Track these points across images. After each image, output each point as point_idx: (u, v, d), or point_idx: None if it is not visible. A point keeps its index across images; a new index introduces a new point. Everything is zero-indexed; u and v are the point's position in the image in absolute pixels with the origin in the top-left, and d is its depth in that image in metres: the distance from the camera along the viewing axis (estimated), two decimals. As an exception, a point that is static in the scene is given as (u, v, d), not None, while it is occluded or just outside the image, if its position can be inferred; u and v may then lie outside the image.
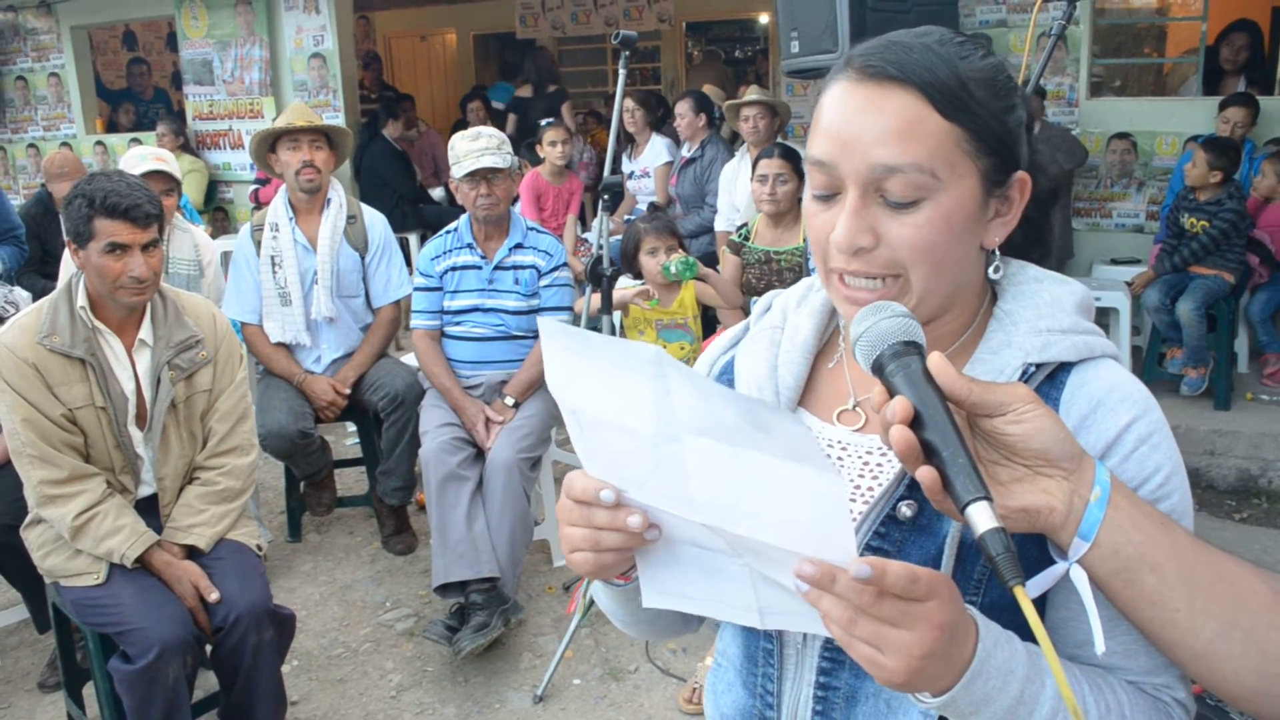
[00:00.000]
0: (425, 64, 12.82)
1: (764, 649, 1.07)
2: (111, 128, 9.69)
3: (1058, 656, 0.83)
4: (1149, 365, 5.28)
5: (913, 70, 0.91)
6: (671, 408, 0.78)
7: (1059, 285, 1.02)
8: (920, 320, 0.93)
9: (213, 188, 8.65)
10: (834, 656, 1.01)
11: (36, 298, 3.19)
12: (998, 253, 1.01)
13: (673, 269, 3.64)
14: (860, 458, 1.02)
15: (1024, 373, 0.96)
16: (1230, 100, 5.56)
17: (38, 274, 5.06)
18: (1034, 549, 0.91)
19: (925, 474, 0.80)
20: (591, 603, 3.24)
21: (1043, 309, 0.99)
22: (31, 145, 9.68)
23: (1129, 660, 0.93)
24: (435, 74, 12.73)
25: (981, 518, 0.77)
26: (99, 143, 9.29)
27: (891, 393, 0.84)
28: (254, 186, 7.79)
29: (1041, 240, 1.07)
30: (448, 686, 3.20)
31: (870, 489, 1.00)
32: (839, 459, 1.03)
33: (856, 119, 0.92)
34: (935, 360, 0.84)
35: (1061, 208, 5.72)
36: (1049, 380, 0.97)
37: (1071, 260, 5.91)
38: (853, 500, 1.00)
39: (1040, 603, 0.95)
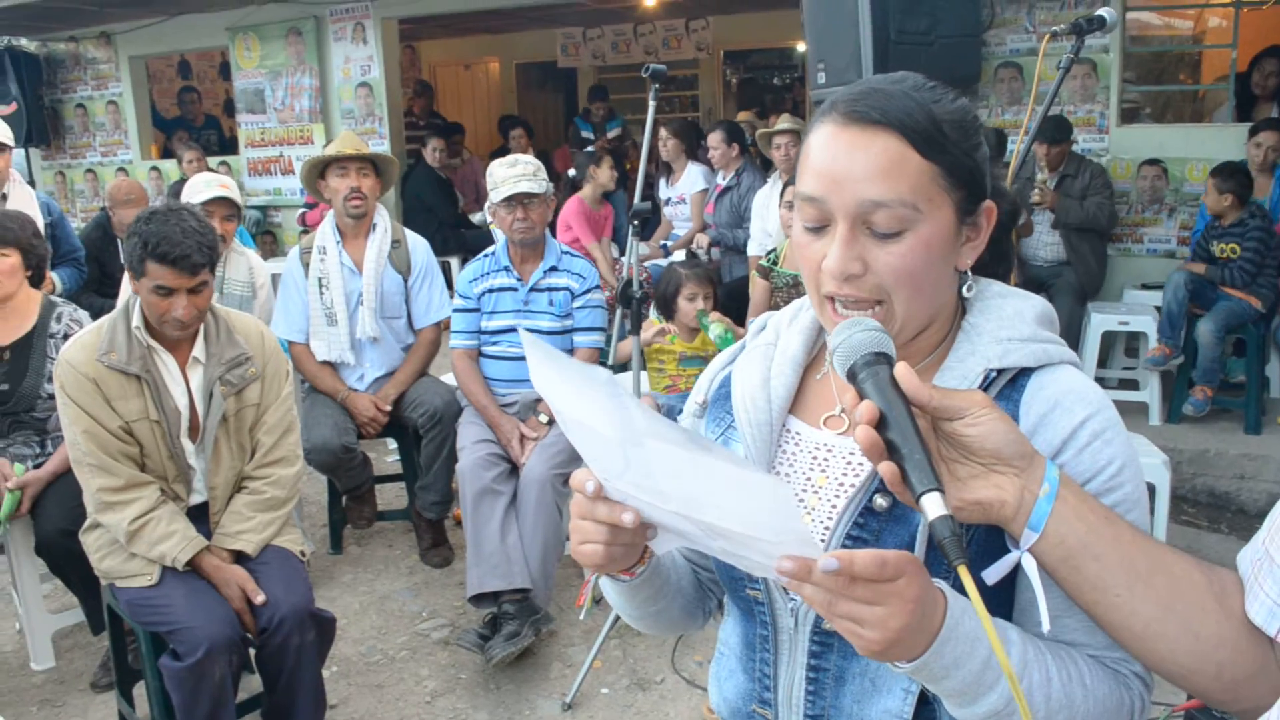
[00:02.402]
0: (469, 92, 13.09)
1: (760, 636, 1.18)
2: (166, 154, 10.02)
3: (1003, 624, 0.95)
4: (1178, 391, 5.31)
5: (894, 115, 1.02)
6: (630, 420, 0.89)
7: (1021, 300, 1.13)
8: (904, 338, 1.05)
9: (261, 212, 8.93)
10: (823, 641, 1.12)
11: (94, 317, 3.37)
12: (970, 273, 1.12)
13: (713, 331, 3.76)
14: (844, 457, 1.13)
15: (986, 377, 1.06)
16: (1260, 125, 5.60)
17: (96, 294, 5.27)
18: (998, 540, 1.02)
19: (886, 468, 0.91)
20: (600, 598, 3.34)
21: (1005, 321, 1.10)
22: (89, 170, 10.03)
23: (1090, 636, 1.02)
24: (479, 102, 13.01)
25: (932, 506, 0.87)
26: (154, 168, 9.61)
27: (862, 397, 0.95)
28: (302, 210, 8.03)
29: (1004, 257, 1.18)
30: (480, 693, 3.32)
31: (852, 485, 1.11)
32: (825, 459, 1.15)
33: (844, 158, 1.03)
34: (901, 370, 0.94)
35: (1097, 242, 5.76)
36: (1011, 384, 1.07)
37: (1101, 290, 5.95)
38: (836, 495, 1.12)
39: (1009, 587, 1.05)
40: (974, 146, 1.07)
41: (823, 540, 1.10)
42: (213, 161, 8.67)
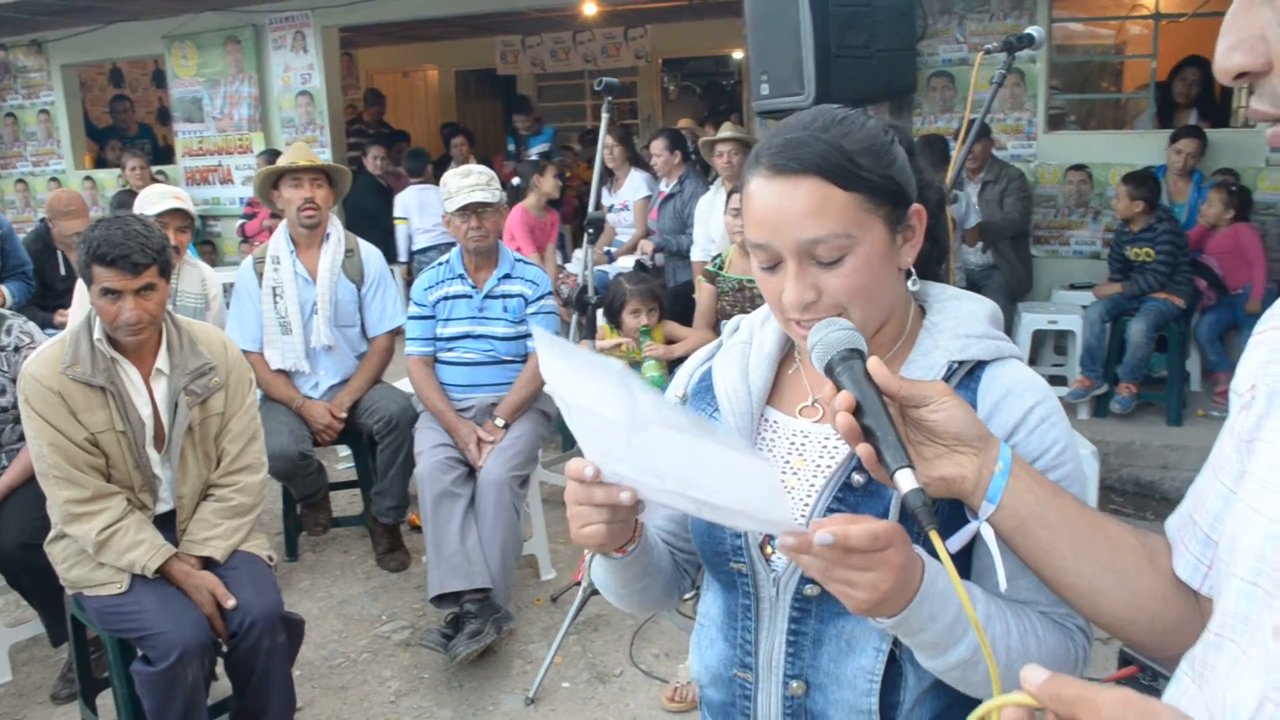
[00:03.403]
0: (408, 100, 13.09)
1: (743, 605, 1.30)
2: (100, 163, 9.89)
3: (970, 584, 1.07)
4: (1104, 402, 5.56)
5: (810, 161, 1.15)
6: (636, 407, 0.99)
7: (973, 302, 1.28)
8: (865, 336, 1.17)
9: (200, 221, 8.85)
10: (802, 607, 1.24)
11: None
12: (913, 270, 1.25)
13: (645, 374, 3.87)
14: (820, 442, 1.26)
15: (949, 369, 1.20)
16: (1180, 133, 5.87)
17: (38, 306, 5.23)
18: (958, 513, 1.14)
19: (863, 449, 1.03)
20: (584, 603, 3.46)
21: (962, 320, 1.24)
22: (20, 181, 9.86)
23: (1039, 594, 1.16)
24: (417, 109, 13.01)
25: (905, 481, 0.99)
26: (88, 178, 9.48)
27: (839, 388, 1.07)
28: (241, 221, 8.00)
29: (937, 241, 1.31)
30: (444, 691, 3.39)
31: (829, 465, 1.23)
32: (802, 444, 1.27)
33: (777, 206, 1.16)
34: (873, 363, 1.07)
35: (1020, 245, 6.01)
36: (969, 375, 1.21)
37: (1030, 290, 6.19)
38: (814, 476, 1.24)
39: (968, 554, 1.18)
40: (889, 164, 1.19)
41: (803, 516, 1.22)
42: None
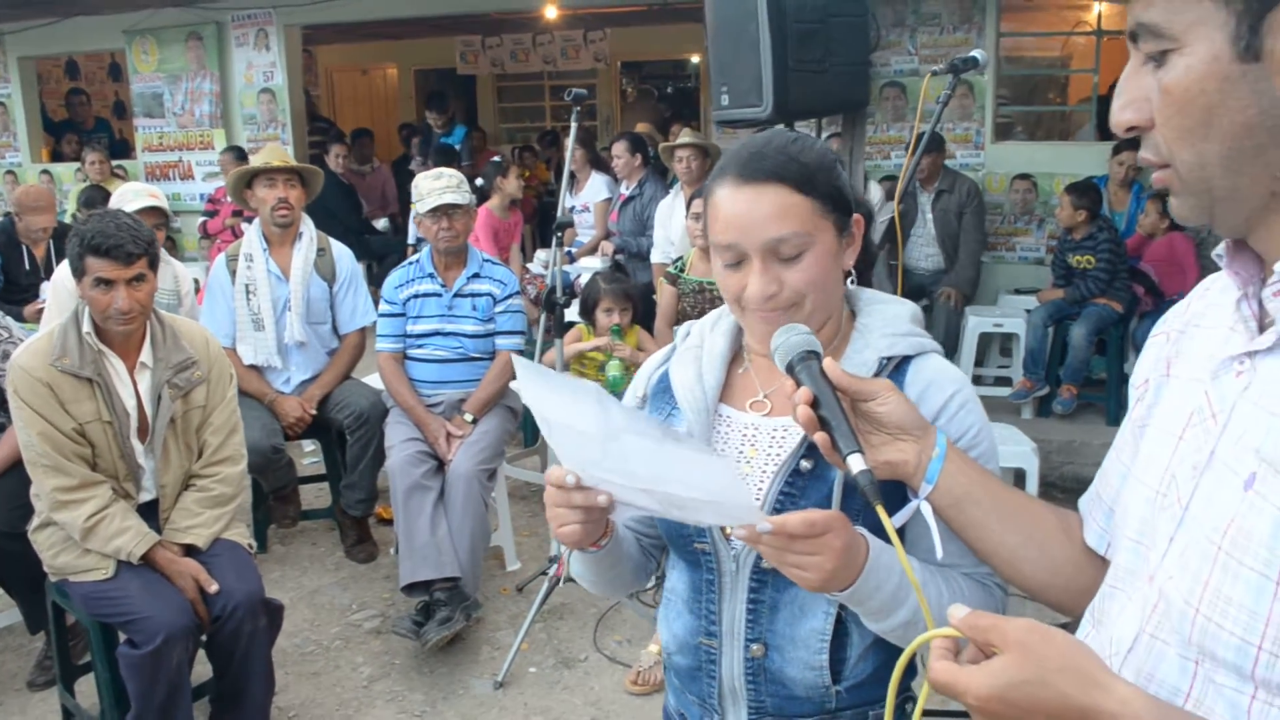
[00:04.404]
0: (366, 97, 13.11)
1: (706, 580, 1.45)
2: (56, 157, 9.83)
3: (908, 556, 1.25)
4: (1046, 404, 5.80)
5: (774, 171, 1.34)
6: (610, 420, 1.16)
7: (898, 305, 1.47)
8: (812, 328, 1.34)
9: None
10: (760, 578, 1.40)
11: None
12: (852, 272, 1.45)
13: (609, 371, 4.03)
14: (769, 434, 1.42)
15: (880, 365, 1.38)
16: (1123, 145, 6.12)
17: (4, 300, 5.26)
18: (899, 494, 1.31)
19: (820, 438, 1.19)
20: (549, 592, 3.60)
21: (888, 321, 1.43)
22: (-25, 174, 9.77)
23: (962, 559, 1.34)
24: (376, 108, 13.03)
25: (855, 464, 1.15)
26: (45, 171, 9.43)
27: (798, 384, 1.23)
28: (203, 219, 8.02)
29: (867, 249, 1.49)
30: (415, 676, 3.52)
31: (779, 454, 1.40)
32: (753, 436, 1.43)
33: (747, 209, 1.34)
34: (828, 363, 1.23)
35: (973, 247, 6.24)
36: (897, 369, 1.39)
37: (977, 291, 6.43)
38: (765, 464, 1.41)
39: (903, 530, 1.35)
40: (836, 177, 1.39)
41: (758, 500, 1.38)
42: (109, 165, 8.57)
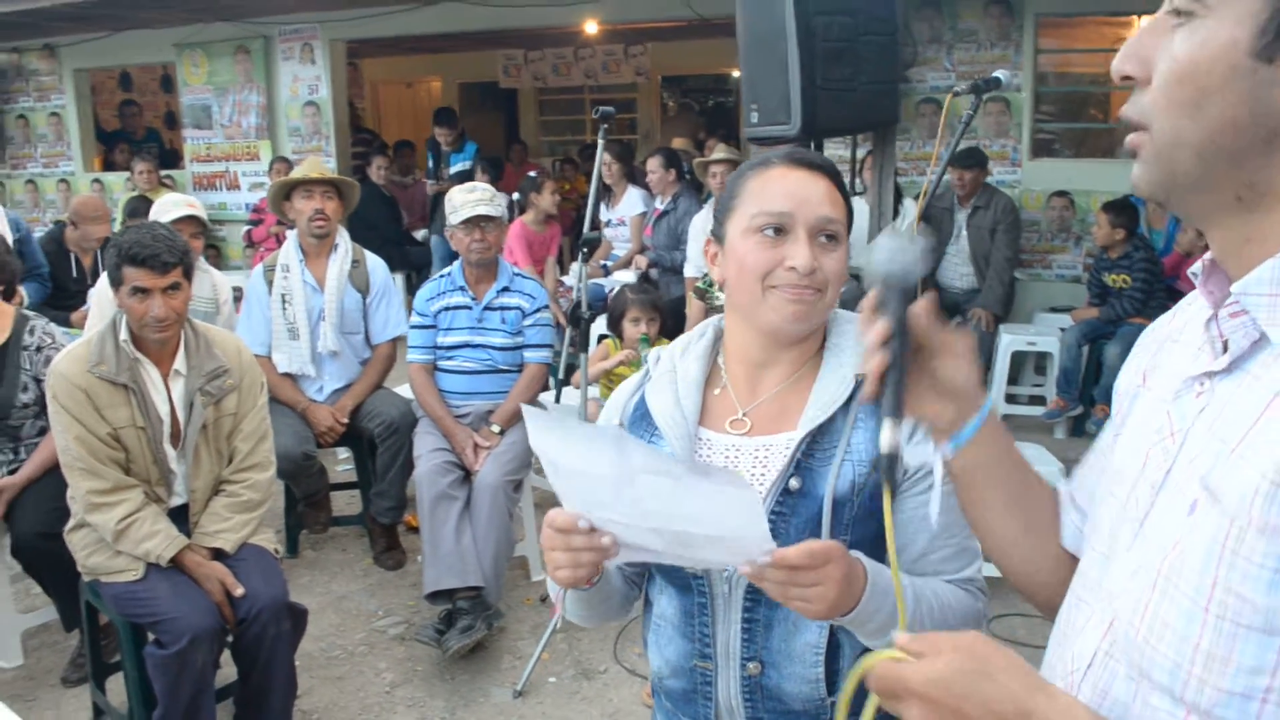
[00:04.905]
0: (411, 110, 13.27)
1: (698, 604, 1.48)
2: (109, 166, 10.07)
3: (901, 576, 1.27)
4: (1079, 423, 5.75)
5: (823, 165, 1.44)
6: (628, 461, 1.16)
7: None
8: (813, 329, 1.43)
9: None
10: (753, 597, 1.42)
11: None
12: None
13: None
14: (751, 454, 1.45)
15: (856, 381, 1.40)
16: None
17: (51, 306, 5.41)
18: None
19: (872, 384, 1.07)
20: (545, 597, 3.63)
21: (858, 339, 1.42)
22: (30, 181, 10.04)
23: (947, 565, 1.37)
24: (420, 120, 13.18)
25: (886, 435, 1.05)
26: (96, 180, 9.66)
27: (878, 310, 1.08)
28: (247, 227, 8.19)
29: None
30: (436, 683, 3.57)
31: (763, 473, 1.42)
32: (735, 457, 1.45)
33: (803, 187, 1.40)
34: (923, 304, 1.09)
35: (1001, 264, 6.20)
36: None
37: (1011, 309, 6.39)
38: (751, 483, 1.41)
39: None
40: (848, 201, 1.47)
41: None
42: (157, 175, 8.77)
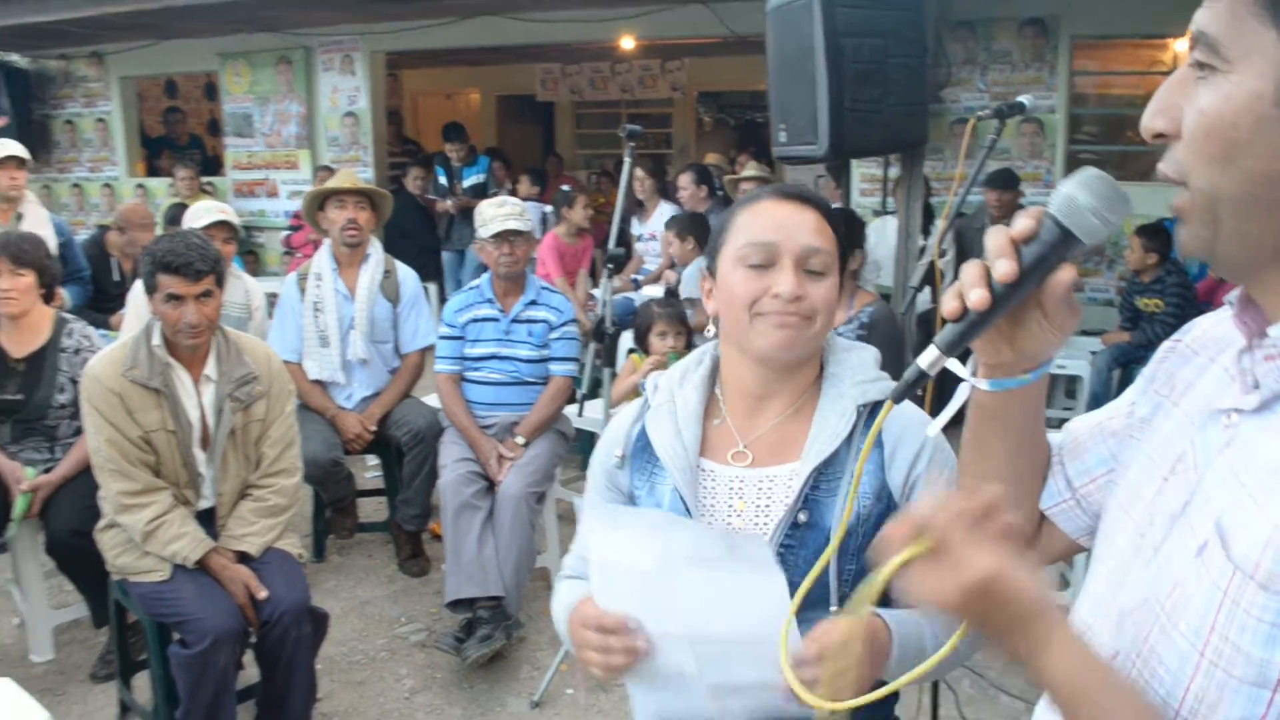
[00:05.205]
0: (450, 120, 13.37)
1: None
2: (152, 172, 10.26)
3: (907, 619, 1.33)
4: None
5: (811, 197, 1.47)
6: (671, 547, 1.21)
7: (860, 351, 1.53)
8: (805, 357, 1.45)
9: (245, 232, 9.18)
10: None
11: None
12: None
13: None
14: (755, 486, 1.47)
15: (858, 412, 1.43)
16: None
17: (92, 309, 5.52)
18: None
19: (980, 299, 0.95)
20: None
21: (854, 368, 1.48)
22: (76, 185, 10.25)
23: None
24: (459, 131, 13.29)
25: (928, 358, 0.97)
26: (140, 185, 9.85)
27: (1035, 238, 0.94)
28: (286, 232, 8.31)
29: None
30: (455, 691, 3.60)
31: (768, 505, 1.45)
32: (740, 489, 1.47)
33: (790, 217, 1.44)
34: (1066, 274, 0.97)
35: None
36: (870, 413, 1.44)
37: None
38: (757, 515, 1.45)
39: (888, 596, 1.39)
40: (844, 239, 1.50)
41: None
42: (198, 181, 8.93)
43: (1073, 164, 6.83)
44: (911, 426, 1.44)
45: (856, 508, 1.39)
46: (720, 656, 1.26)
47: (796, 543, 1.41)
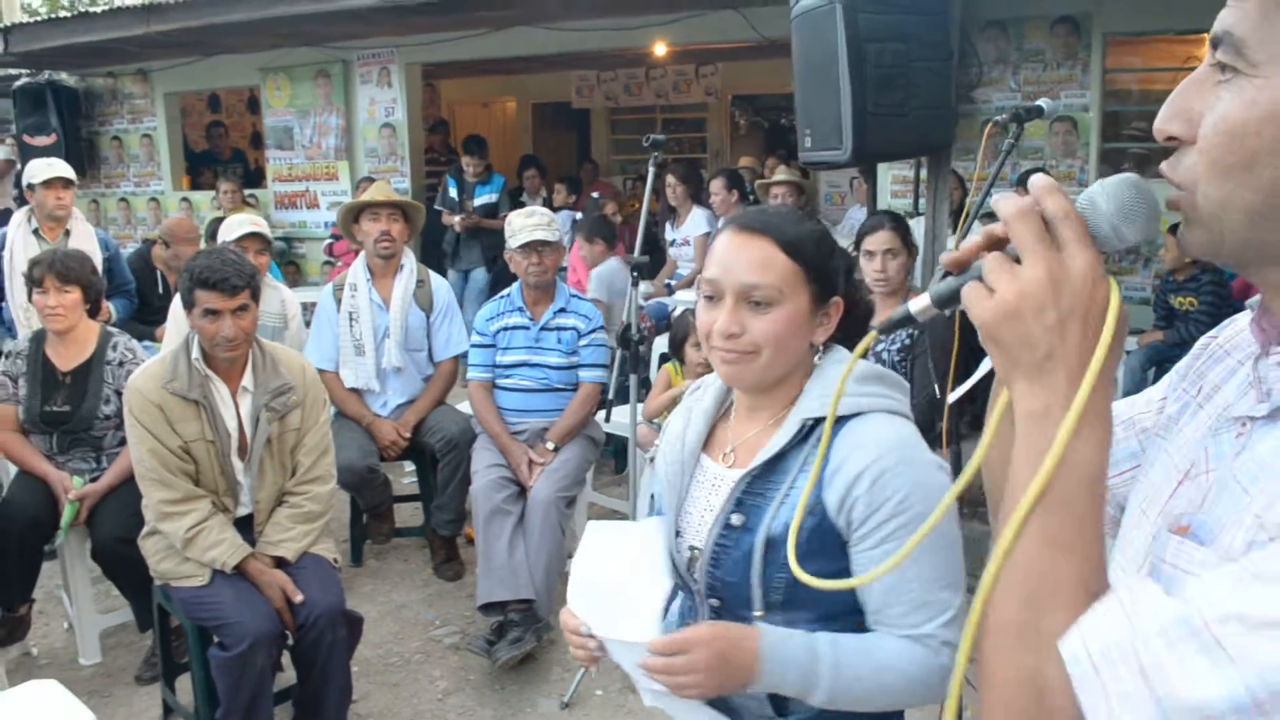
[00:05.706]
0: (486, 130, 13.48)
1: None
2: (196, 185, 10.48)
3: (819, 637, 1.40)
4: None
5: (768, 228, 1.47)
6: (619, 550, 1.46)
7: (837, 368, 1.51)
8: (766, 382, 1.48)
9: (286, 243, 9.35)
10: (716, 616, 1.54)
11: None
12: (820, 347, 1.53)
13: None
14: (729, 486, 1.53)
15: (802, 425, 1.46)
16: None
17: (137, 321, 5.67)
18: (832, 543, 1.43)
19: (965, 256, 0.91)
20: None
21: (826, 382, 1.49)
22: (123, 200, 10.49)
23: (903, 619, 1.40)
24: (495, 139, 13.40)
25: (919, 305, 0.92)
26: (184, 199, 10.06)
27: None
28: (329, 241, 8.46)
29: (858, 321, 1.58)
30: (487, 692, 3.67)
31: (719, 506, 1.54)
32: (718, 487, 1.55)
33: (733, 254, 1.47)
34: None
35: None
36: (835, 429, 1.44)
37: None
38: (708, 514, 1.56)
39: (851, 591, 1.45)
40: (826, 257, 1.50)
41: (697, 549, 1.56)
42: (241, 194, 9.11)
43: (1107, 162, 6.79)
44: (863, 448, 1.41)
45: (787, 519, 1.40)
46: (624, 654, 1.43)
47: (730, 543, 1.48)
